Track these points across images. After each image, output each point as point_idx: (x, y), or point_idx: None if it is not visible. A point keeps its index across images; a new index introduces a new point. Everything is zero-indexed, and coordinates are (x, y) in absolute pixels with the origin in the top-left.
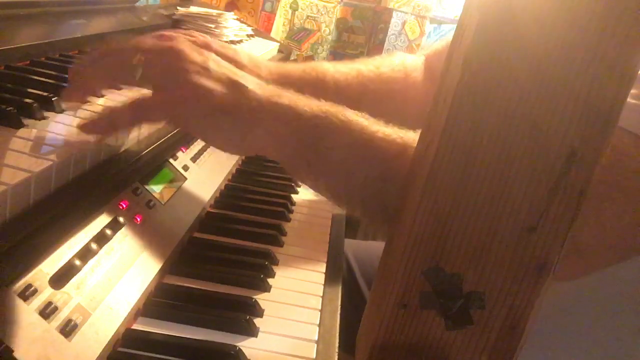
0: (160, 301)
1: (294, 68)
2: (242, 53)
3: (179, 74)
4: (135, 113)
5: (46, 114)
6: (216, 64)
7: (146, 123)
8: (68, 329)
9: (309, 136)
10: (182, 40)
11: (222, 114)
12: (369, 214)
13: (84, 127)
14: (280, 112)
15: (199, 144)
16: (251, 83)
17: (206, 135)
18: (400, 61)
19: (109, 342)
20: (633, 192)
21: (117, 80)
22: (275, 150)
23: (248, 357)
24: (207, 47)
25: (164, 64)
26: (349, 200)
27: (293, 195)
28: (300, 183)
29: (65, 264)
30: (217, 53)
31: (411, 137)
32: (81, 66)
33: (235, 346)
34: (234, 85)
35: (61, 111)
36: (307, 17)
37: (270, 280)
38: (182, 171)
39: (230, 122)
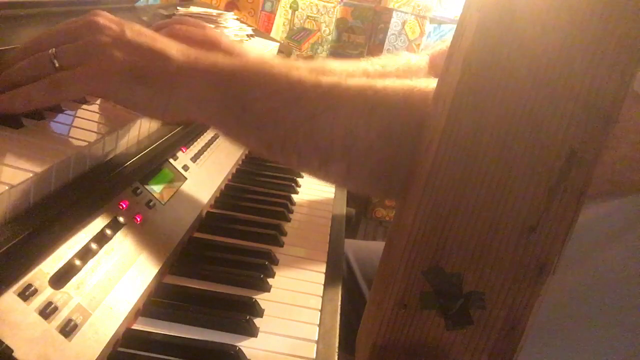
0: (160, 301)
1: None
2: (251, 49)
3: (94, 47)
4: (53, 90)
5: (46, 114)
6: (134, 33)
7: (65, 99)
8: (68, 329)
9: (232, 92)
10: (98, 13)
11: (140, 82)
12: (304, 159)
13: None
14: (201, 73)
15: (199, 144)
16: (172, 49)
17: (129, 105)
18: (405, 61)
19: (109, 342)
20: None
21: (39, 76)
22: (201, 112)
23: (248, 357)
24: (216, 42)
25: (79, 41)
26: (283, 149)
27: (293, 195)
28: (300, 183)
29: (65, 264)
30: (226, 49)
31: (353, 80)
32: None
33: (235, 346)
34: (153, 53)
35: (61, 111)
36: (307, 17)
37: (270, 280)
38: (182, 171)
39: (149, 90)
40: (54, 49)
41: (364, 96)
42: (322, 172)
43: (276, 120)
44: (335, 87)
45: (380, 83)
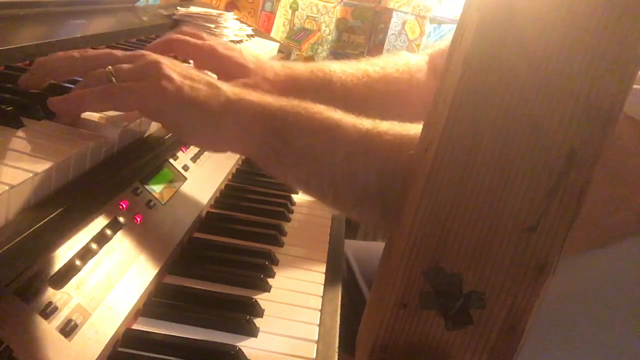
0: (160, 301)
1: (301, 70)
2: (248, 55)
3: (153, 68)
4: (107, 98)
5: (46, 114)
6: (186, 66)
7: (116, 109)
8: (68, 329)
9: (276, 127)
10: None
11: (193, 107)
12: (340, 198)
13: (53, 104)
14: (248, 106)
15: None
16: (220, 83)
17: (176, 128)
18: (405, 61)
19: (109, 342)
20: (615, 168)
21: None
22: (245, 143)
23: (248, 357)
24: (212, 51)
25: (137, 64)
26: (319, 187)
27: (293, 195)
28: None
29: (65, 264)
30: (223, 57)
31: (384, 124)
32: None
33: (235, 346)
34: (205, 82)
35: None
36: (307, 17)
37: (270, 280)
38: (182, 171)
39: (200, 116)
40: (110, 67)
41: (400, 144)
42: (356, 212)
43: (315, 159)
44: (371, 130)
45: (414, 129)
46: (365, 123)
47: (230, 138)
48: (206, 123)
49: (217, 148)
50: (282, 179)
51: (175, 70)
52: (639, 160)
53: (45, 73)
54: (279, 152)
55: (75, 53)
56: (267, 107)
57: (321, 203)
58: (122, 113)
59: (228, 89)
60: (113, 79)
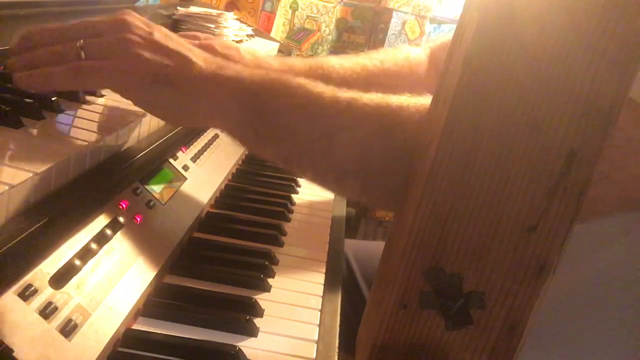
0: (160, 301)
1: (299, 66)
2: (244, 52)
3: (122, 44)
4: (74, 76)
5: (46, 114)
6: (162, 35)
7: (84, 88)
8: (68, 329)
9: (252, 103)
10: (129, 13)
11: (163, 84)
12: (320, 174)
13: (19, 80)
14: (223, 82)
15: (199, 144)
16: (196, 56)
17: (147, 105)
18: (404, 55)
19: (109, 342)
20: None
21: (64, 64)
22: (221, 120)
23: (248, 357)
24: (210, 48)
25: (108, 37)
26: (299, 163)
27: (293, 195)
28: (300, 183)
29: (65, 264)
30: (219, 54)
31: (366, 97)
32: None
33: (235, 346)
34: (178, 58)
35: (61, 111)
36: (307, 17)
37: (270, 280)
38: (182, 171)
39: (171, 93)
40: (82, 40)
41: (380, 116)
42: (337, 187)
43: (294, 135)
44: (352, 104)
45: (395, 101)
46: (345, 96)
47: (206, 115)
48: (178, 101)
49: (194, 125)
50: (262, 155)
51: (146, 45)
52: (625, 137)
53: (26, 49)
54: (257, 130)
55: (53, 26)
56: (243, 83)
57: (303, 177)
58: (122, 114)
59: (202, 62)
60: (82, 53)
